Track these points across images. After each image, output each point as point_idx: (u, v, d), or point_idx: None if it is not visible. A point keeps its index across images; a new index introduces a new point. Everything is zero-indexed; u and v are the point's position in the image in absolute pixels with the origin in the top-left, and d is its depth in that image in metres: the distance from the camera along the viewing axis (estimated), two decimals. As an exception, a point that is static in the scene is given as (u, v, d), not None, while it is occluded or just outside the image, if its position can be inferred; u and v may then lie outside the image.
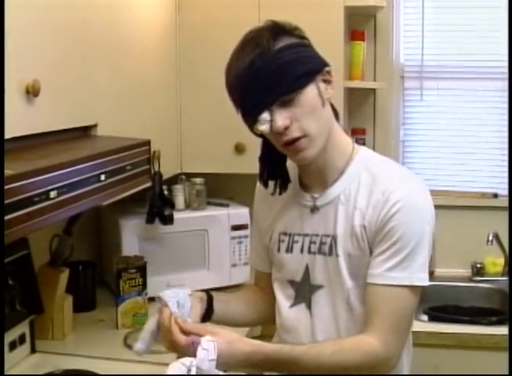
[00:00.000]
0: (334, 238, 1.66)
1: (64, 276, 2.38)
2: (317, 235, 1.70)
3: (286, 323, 1.78)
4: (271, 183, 1.73)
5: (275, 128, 1.56)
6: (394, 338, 1.59)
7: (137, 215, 2.70)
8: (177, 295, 1.65)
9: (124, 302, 2.45)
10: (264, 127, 1.57)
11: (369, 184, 1.64)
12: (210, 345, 1.49)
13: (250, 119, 1.59)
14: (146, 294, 2.52)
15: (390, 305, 1.59)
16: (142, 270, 2.49)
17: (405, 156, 3.46)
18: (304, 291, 1.73)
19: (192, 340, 1.52)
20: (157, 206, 2.60)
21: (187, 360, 1.47)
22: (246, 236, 2.83)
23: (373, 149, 3.26)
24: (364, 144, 3.20)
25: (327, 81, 1.63)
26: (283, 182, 1.72)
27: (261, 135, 1.64)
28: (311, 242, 1.71)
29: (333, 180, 1.69)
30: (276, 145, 1.63)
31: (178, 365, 1.47)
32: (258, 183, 1.80)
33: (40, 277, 2.26)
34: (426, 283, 1.61)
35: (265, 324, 2.10)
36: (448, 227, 3.19)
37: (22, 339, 2.20)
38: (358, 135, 3.22)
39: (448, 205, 3.23)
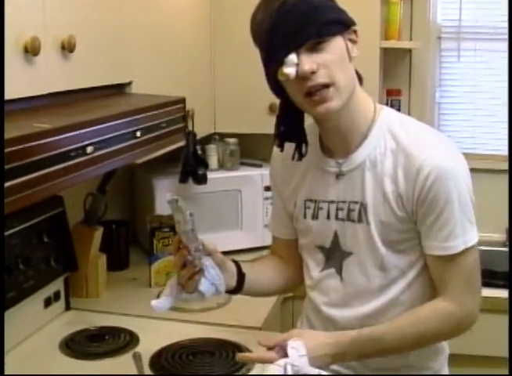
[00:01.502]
0: (364, 205, 1.63)
1: (98, 235, 2.39)
2: (344, 202, 1.67)
3: (317, 287, 1.78)
4: (287, 147, 1.68)
5: (301, 71, 1.50)
6: (467, 296, 1.60)
7: (170, 174, 2.69)
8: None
9: (157, 261, 2.46)
10: (289, 70, 1.50)
11: (395, 149, 1.60)
12: (298, 344, 1.54)
13: (276, 62, 1.52)
14: (180, 254, 2.52)
15: (455, 272, 1.59)
16: (175, 230, 2.48)
17: (440, 118, 3.41)
18: (334, 256, 1.72)
19: (280, 346, 1.58)
20: (191, 165, 2.59)
21: (281, 361, 1.51)
22: (279, 198, 2.81)
23: (408, 111, 3.25)
24: (399, 106, 3.17)
25: (353, 41, 1.59)
26: (300, 143, 1.66)
27: (281, 91, 1.59)
28: (338, 209, 1.68)
29: (356, 145, 1.65)
30: (297, 96, 1.56)
31: (275, 367, 1.51)
32: (275, 149, 1.77)
33: (74, 235, 2.27)
34: (477, 239, 1.61)
35: (290, 291, 2.09)
36: (483, 191, 3.13)
37: (57, 296, 2.21)
38: (393, 96, 3.18)
39: (483, 169, 3.18)
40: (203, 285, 1.64)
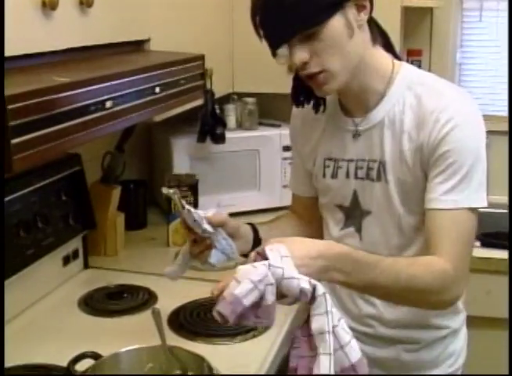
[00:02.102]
0: (382, 164, 1.61)
1: (116, 193, 2.39)
2: (363, 160, 1.66)
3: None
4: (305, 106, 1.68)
5: (292, 63, 1.51)
6: (461, 262, 1.50)
7: (188, 134, 2.68)
8: (199, 217, 1.60)
9: (175, 220, 2.45)
10: (282, 61, 1.52)
11: (414, 105, 1.57)
12: (278, 246, 1.28)
13: (271, 52, 1.54)
14: (198, 213, 2.52)
15: (451, 229, 1.51)
16: (194, 188, 2.47)
17: (461, 79, 3.37)
18: (353, 215, 1.71)
19: (257, 253, 1.31)
20: (209, 125, 2.58)
21: (259, 263, 1.25)
22: (297, 158, 2.79)
23: (429, 71, 3.20)
24: (420, 66, 3.13)
25: (361, 7, 1.52)
26: (317, 102, 1.67)
27: None
28: (357, 167, 1.67)
29: (374, 104, 1.62)
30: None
31: (247, 266, 1.26)
32: (294, 109, 1.77)
33: (92, 194, 2.26)
34: (484, 203, 1.54)
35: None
36: (503, 153, 3.13)
37: (75, 254, 2.22)
38: (413, 56, 3.15)
39: (503, 131, 3.15)
40: (214, 257, 1.63)
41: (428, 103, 1.55)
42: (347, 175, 1.69)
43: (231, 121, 2.80)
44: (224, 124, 2.65)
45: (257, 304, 1.23)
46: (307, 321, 1.27)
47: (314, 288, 1.24)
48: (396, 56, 1.67)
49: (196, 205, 2.49)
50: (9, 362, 1.67)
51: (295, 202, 1.94)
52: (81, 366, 1.53)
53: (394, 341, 1.72)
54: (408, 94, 1.59)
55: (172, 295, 2.02)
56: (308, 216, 1.88)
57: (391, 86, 1.61)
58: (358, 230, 1.70)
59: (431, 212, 1.54)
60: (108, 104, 1.44)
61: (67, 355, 1.58)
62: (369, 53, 1.58)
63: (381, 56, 1.62)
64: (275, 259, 1.25)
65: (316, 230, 1.86)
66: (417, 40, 3.22)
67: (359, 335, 1.70)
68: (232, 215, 2.65)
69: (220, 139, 2.60)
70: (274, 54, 1.53)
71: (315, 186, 1.81)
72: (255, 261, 1.28)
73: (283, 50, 1.50)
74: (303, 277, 1.25)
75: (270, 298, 1.23)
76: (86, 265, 2.28)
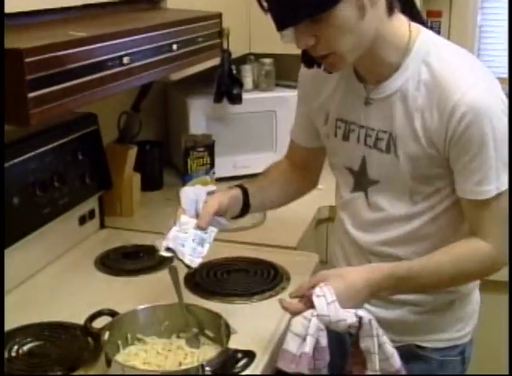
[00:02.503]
0: (393, 137, 1.56)
1: (132, 153, 2.38)
2: (373, 129, 1.60)
3: (346, 208, 1.76)
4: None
5: (298, 46, 1.46)
6: (502, 240, 1.53)
7: (205, 94, 2.66)
8: (196, 193, 1.61)
9: (191, 181, 2.44)
10: (288, 42, 1.47)
11: (429, 83, 1.50)
12: (325, 290, 1.44)
13: (276, 29, 1.47)
14: (214, 174, 2.52)
15: (489, 215, 1.52)
16: (210, 149, 2.47)
17: (481, 41, 3.32)
18: (361, 181, 1.68)
19: (307, 297, 1.47)
20: (226, 85, 2.55)
21: (308, 313, 1.43)
22: (313, 120, 2.77)
23: (448, 33, 3.16)
24: (439, 28, 3.09)
25: None
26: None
27: None
28: (366, 135, 1.62)
29: (387, 75, 1.55)
30: None
31: (299, 320, 1.44)
32: (302, 68, 1.74)
33: (108, 154, 2.25)
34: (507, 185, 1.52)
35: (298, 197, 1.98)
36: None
37: (91, 214, 2.22)
38: (433, 17, 3.10)
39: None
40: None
41: (446, 86, 1.47)
42: (358, 140, 1.65)
43: (248, 81, 2.78)
44: (241, 85, 2.63)
45: (314, 349, 1.42)
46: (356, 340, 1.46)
47: (360, 318, 1.43)
48: (416, 18, 1.59)
49: (212, 166, 2.48)
50: (26, 320, 1.68)
51: (293, 150, 1.90)
52: (98, 323, 1.53)
53: (401, 303, 1.69)
54: (424, 70, 1.51)
55: (188, 255, 2.02)
56: (303, 165, 1.85)
57: (405, 58, 1.53)
58: (366, 197, 1.68)
59: (464, 202, 1.55)
60: (125, 60, 1.42)
61: (84, 313, 1.59)
62: (383, 27, 1.49)
63: (397, 26, 1.53)
64: (322, 308, 1.41)
65: (305, 178, 1.86)
66: (437, 1, 3.16)
67: None
68: (247, 176, 2.66)
69: (236, 99, 2.58)
70: (279, 31, 1.46)
71: (318, 139, 1.78)
72: (305, 304, 1.46)
73: (287, 32, 1.44)
74: (348, 315, 1.42)
75: (323, 341, 1.43)
76: (102, 225, 2.28)
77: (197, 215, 1.59)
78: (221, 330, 1.45)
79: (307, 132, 1.83)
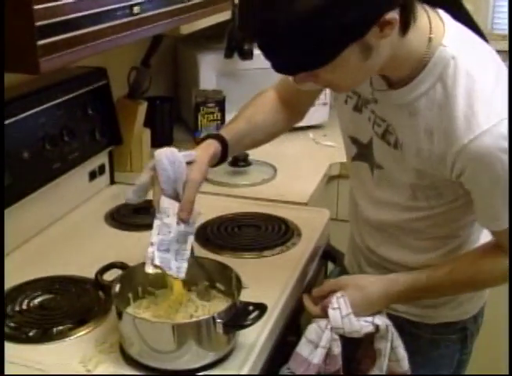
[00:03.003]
0: (399, 142, 1.45)
1: (142, 109, 2.36)
2: (383, 120, 1.48)
3: (353, 174, 1.72)
4: None
5: (295, 83, 1.35)
6: None
7: (215, 50, 2.62)
8: (175, 171, 1.44)
9: (201, 136, 2.42)
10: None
11: (442, 107, 1.34)
12: (341, 302, 1.47)
13: None
14: (224, 130, 2.49)
15: (505, 236, 1.41)
16: (221, 105, 2.44)
17: (495, 11, 3.26)
18: (367, 156, 1.59)
19: (323, 306, 1.50)
20: (236, 40, 2.52)
21: (323, 323, 1.48)
22: (326, 76, 2.73)
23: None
24: None
25: (386, 23, 1.21)
26: None
27: None
28: (375, 122, 1.51)
29: (397, 86, 1.40)
30: None
31: (314, 328, 1.49)
32: None
33: (118, 109, 2.24)
34: None
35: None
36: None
37: (101, 170, 2.21)
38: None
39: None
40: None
41: (456, 121, 1.32)
42: (369, 119, 1.52)
43: (259, 37, 2.74)
44: (251, 40, 2.59)
45: (326, 355, 1.47)
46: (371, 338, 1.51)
47: (377, 325, 1.49)
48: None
49: (222, 121, 2.46)
50: (37, 274, 1.69)
51: (284, 87, 1.75)
52: (109, 276, 1.53)
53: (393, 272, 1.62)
54: (439, 89, 1.35)
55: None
56: (292, 102, 1.75)
57: (420, 73, 1.36)
58: (371, 170, 1.59)
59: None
60: (136, 10, 1.40)
61: (94, 267, 1.59)
62: (394, 51, 1.31)
63: (413, 40, 1.33)
64: (337, 321, 1.46)
65: (298, 112, 1.79)
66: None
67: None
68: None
69: (247, 55, 2.55)
70: None
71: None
72: (322, 311, 1.50)
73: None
74: (364, 325, 1.47)
75: (336, 350, 1.48)
76: (112, 181, 2.27)
77: (177, 196, 1.46)
78: (232, 283, 1.45)
79: None
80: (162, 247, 1.39)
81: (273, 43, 1.23)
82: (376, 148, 1.54)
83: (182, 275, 1.41)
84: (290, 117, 1.79)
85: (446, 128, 1.34)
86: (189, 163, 1.47)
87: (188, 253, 1.43)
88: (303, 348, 1.48)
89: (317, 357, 1.46)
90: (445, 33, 1.35)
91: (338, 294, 1.48)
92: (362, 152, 1.62)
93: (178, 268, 1.40)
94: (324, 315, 1.49)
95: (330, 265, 2.05)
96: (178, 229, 1.42)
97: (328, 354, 1.47)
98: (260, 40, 1.26)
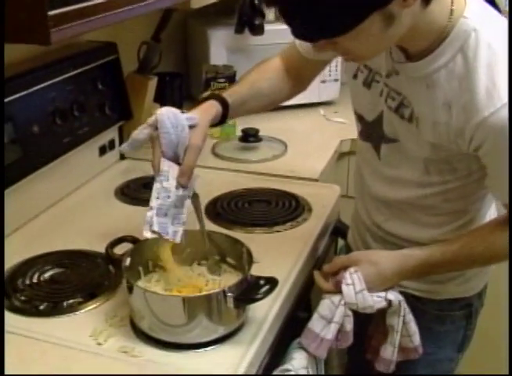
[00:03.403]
0: (414, 115, 1.43)
1: (152, 84, 2.34)
2: (399, 93, 1.46)
3: (359, 152, 1.72)
4: None
5: (313, 51, 1.35)
6: None
7: (226, 25, 2.61)
8: (178, 135, 1.43)
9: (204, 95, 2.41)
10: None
11: (462, 79, 1.32)
12: (354, 278, 1.46)
13: None
14: (235, 105, 2.48)
15: None
16: (231, 80, 2.42)
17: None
18: (373, 134, 1.58)
19: (336, 281, 1.49)
20: (247, 15, 2.50)
21: (336, 298, 1.47)
22: (337, 52, 2.71)
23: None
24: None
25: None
26: None
27: None
28: (388, 96, 1.49)
29: (415, 59, 1.39)
30: None
31: (326, 303, 1.48)
32: None
33: (129, 84, 2.22)
34: None
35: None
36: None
37: (111, 144, 2.20)
38: None
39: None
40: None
41: (476, 94, 1.30)
42: (381, 94, 1.51)
43: (270, 12, 2.72)
44: (263, 15, 2.56)
45: (338, 331, 1.47)
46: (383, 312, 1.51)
47: (390, 301, 1.48)
48: None
49: (233, 97, 2.45)
50: (47, 248, 1.69)
51: (291, 55, 1.73)
52: (120, 250, 1.53)
53: (399, 247, 1.60)
54: (459, 61, 1.33)
55: (208, 186, 1.99)
56: (296, 71, 1.73)
57: (440, 45, 1.35)
58: (377, 150, 1.58)
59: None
60: (146, -18, 1.39)
61: (104, 242, 1.58)
62: (416, 21, 1.29)
63: (435, 12, 1.31)
64: (350, 297, 1.45)
65: (301, 82, 1.76)
66: None
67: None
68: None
69: (258, 30, 2.53)
70: None
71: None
72: (335, 286, 1.49)
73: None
74: (377, 301, 1.47)
75: (348, 326, 1.48)
76: (122, 156, 2.27)
77: (177, 159, 1.44)
78: (242, 257, 1.44)
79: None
80: (161, 212, 1.39)
81: (295, 8, 1.21)
82: (388, 123, 1.52)
83: (178, 239, 1.40)
84: (294, 86, 1.77)
85: (466, 101, 1.32)
86: (191, 126, 1.46)
87: (184, 217, 1.42)
88: (315, 324, 1.47)
89: (330, 333, 1.46)
90: (467, 5, 1.34)
91: (351, 269, 1.47)
92: (365, 130, 1.62)
93: (174, 232, 1.40)
94: (336, 290, 1.48)
95: (340, 243, 2.05)
96: (177, 194, 1.42)
97: (340, 330, 1.47)
98: (282, 5, 1.25)
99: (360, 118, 1.62)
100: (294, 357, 1.48)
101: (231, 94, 1.62)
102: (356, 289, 1.45)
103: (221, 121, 1.60)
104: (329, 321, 1.46)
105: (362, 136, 1.64)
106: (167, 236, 1.39)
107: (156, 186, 1.42)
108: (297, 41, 1.68)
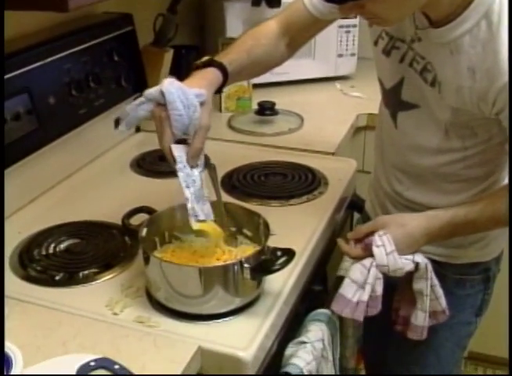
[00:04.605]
0: (437, 80, 1.43)
1: (168, 56, 2.33)
2: (423, 58, 1.46)
3: (379, 115, 1.71)
4: None
5: (339, 13, 1.37)
6: None
7: (242, -2, 2.59)
8: (187, 100, 1.34)
9: (227, 89, 2.40)
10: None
11: (487, 44, 1.32)
12: (384, 239, 1.45)
13: None
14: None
15: None
16: (248, 53, 2.41)
17: None
18: (391, 100, 1.59)
19: (365, 245, 1.49)
20: (264, -13, 2.48)
21: (367, 261, 1.46)
22: (354, 26, 2.67)
23: None
24: None
25: None
26: None
27: None
28: (414, 59, 1.49)
29: (440, 24, 1.38)
30: None
31: (358, 267, 1.47)
32: None
33: (144, 56, 2.21)
34: None
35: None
36: None
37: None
38: None
39: None
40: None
41: (499, 59, 1.31)
42: (402, 60, 1.51)
43: (287, -15, 2.69)
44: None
45: (369, 296, 1.46)
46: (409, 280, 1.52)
47: (417, 264, 1.48)
48: None
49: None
50: (63, 219, 1.69)
51: (293, 17, 1.68)
52: (136, 221, 1.52)
53: (417, 210, 1.60)
54: (483, 26, 1.33)
55: (224, 159, 1.97)
56: (291, 35, 1.68)
57: (464, 11, 1.34)
58: (394, 117, 1.59)
59: None
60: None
61: (120, 213, 1.58)
62: None
63: None
64: (382, 258, 1.45)
65: (292, 48, 1.71)
66: None
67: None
68: (287, 83, 2.62)
69: (275, 3, 2.50)
70: None
71: (332, 14, 1.61)
72: (364, 251, 1.49)
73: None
74: (406, 263, 1.46)
75: (379, 289, 1.47)
76: (138, 129, 2.26)
77: (184, 139, 1.38)
78: (259, 229, 1.43)
79: (330, 5, 1.58)
80: (196, 199, 1.35)
81: None
82: (408, 87, 1.53)
83: (211, 216, 1.38)
84: (284, 53, 1.71)
85: (490, 66, 1.33)
86: (200, 103, 1.38)
87: (205, 192, 1.39)
88: (347, 289, 1.46)
89: (366, 294, 1.45)
90: None
91: (380, 232, 1.47)
92: (385, 97, 1.63)
93: (208, 211, 1.38)
94: (365, 255, 1.47)
95: (356, 218, 2.04)
96: (198, 175, 1.38)
97: (370, 295, 1.46)
98: None
99: (381, 84, 1.64)
100: (310, 329, 1.47)
101: (230, 62, 1.54)
102: (387, 250, 1.44)
103: (217, 90, 1.53)
104: (361, 285, 1.45)
105: (384, 102, 1.65)
106: (209, 218, 1.37)
107: (180, 175, 1.36)
108: (308, 0, 1.64)
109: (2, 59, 1.34)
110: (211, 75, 1.48)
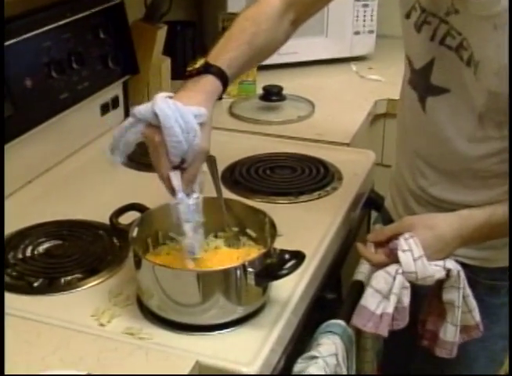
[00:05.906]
0: (474, 59, 1.42)
1: (161, 34, 2.34)
2: (459, 33, 1.44)
3: (403, 101, 1.70)
4: None
5: None
6: None
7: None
8: (186, 125, 1.30)
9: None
10: None
11: None
12: (411, 243, 1.44)
13: None
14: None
15: None
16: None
17: None
18: (419, 84, 1.59)
19: (389, 249, 1.48)
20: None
21: (392, 268, 1.45)
22: (372, -1, 2.70)
23: None
24: None
25: None
26: None
27: None
28: (448, 33, 1.47)
29: None
30: None
31: (382, 275, 1.46)
32: None
33: (134, 34, 2.22)
34: None
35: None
36: None
37: (115, 102, 2.21)
38: None
39: None
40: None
41: None
42: (433, 38, 1.51)
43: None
44: None
45: (395, 307, 1.46)
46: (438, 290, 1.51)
47: (449, 270, 1.47)
48: None
49: (253, 50, 2.44)
50: (42, 218, 1.70)
51: None
52: (125, 219, 1.53)
53: (449, 210, 1.59)
54: None
55: (226, 150, 1.99)
56: (297, 12, 1.64)
57: None
58: (422, 102, 1.59)
59: None
60: None
61: (108, 211, 1.57)
62: None
63: None
64: (409, 264, 1.44)
65: (294, 27, 1.66)
66: None
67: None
68: (296, 64, 2.63)
69: (281, -27, 2.51)
70: None
71: None
72: (388, 256, 1.48)
73: None
74: (437, 269, 1.45)
75: (406, 300, 1.47)
76: (127, 115, 2.25)
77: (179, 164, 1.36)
78: (265, 229, 1.43)
79: None
80: (194, 233, 1.36)
81: None
82: (440, 68, 1.52)
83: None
84: (286, 32, 1.67)
85: None
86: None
87: (201, 220, 1.38)
88: (369, 301, 1.45)
89: (391, 306, 1.44)
90: None
91: (406, 235, 1.46)
92: (413, 78, 1.62)
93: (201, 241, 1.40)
94: (389, 261, 1.47)
95: (373, 217, 2.05)
96: (196, 203, 1.36)
97: (396, 307, 1.46)
98: None
99: (410, 63, 1.63)
100: (321, 343, 1.47)
101: (230, 64, 1.49)
102: (414, 255, 1.43)
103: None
104: (385, 295, 1.45)
105: (411, 84, 1.64)
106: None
107: (180, 208, 1.34)
108: None
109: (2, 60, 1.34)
110: (209, 87, 1.43)
